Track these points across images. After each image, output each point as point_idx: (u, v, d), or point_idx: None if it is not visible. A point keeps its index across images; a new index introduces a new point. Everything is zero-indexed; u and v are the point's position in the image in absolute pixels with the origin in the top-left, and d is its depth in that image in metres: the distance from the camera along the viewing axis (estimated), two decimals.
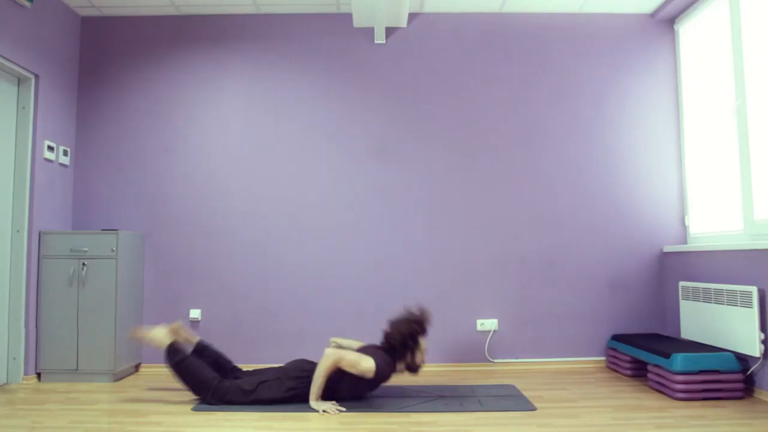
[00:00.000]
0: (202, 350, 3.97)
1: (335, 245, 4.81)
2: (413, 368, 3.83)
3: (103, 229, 4.52)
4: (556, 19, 4.99)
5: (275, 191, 4.86)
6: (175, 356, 3.73)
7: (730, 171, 4.26)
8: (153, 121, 4.93)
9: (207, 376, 3.68)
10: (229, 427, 3.21)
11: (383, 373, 3.62)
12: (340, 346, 3.99)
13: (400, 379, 4.36)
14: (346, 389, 3.68)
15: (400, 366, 3.81)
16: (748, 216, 4.04)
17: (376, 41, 4.95)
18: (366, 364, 3.55)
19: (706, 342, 4.16)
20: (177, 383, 3.73)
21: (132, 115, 4.94)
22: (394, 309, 4.77)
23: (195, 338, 4.03)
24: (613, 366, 4.59)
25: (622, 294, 4.81)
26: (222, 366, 3.95)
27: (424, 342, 3.83)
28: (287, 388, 3.65)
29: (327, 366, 3.55)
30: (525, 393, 3.92)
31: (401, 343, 3.73)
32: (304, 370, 3.71)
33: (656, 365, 3.93)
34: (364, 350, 3.75)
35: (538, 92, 4.93)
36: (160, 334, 3.86)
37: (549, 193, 4.87)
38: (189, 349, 3.88)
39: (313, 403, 3.56)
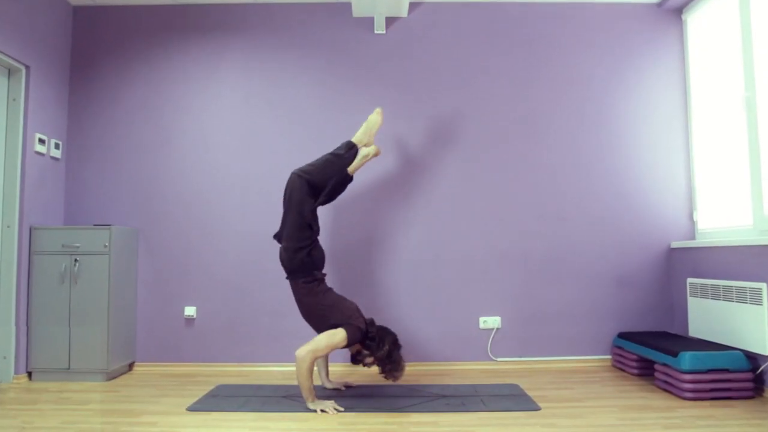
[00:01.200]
0: (344, 179, 4.05)
1: (334, 241, 4.79)
2: (357, 360, 3.80)
3: (95, 224, 4.50)
4: (561, 8, 4.96)
5: (274, 185, 4.83)
6: (349, 154, 3.99)
7: (739, 164, 4.24)
8: (148, 113, 4.91)
9: (329, 180, 3.90)
10: (225, 428, 3.20)
11: (353, 339, 3.62)
12: None
13: (400, 379, 4.32)
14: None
15: (355, 347, 3.78)
16: (757, 211, 4.02)
17: (375, 31, 4.92)
18: (338, 339, 3.56)
19: (715, 340, 4.14)
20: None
21: (126, 107, 4.92)
22: (394, 307, 4.76)
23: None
24: (619, 365, 4.58)
25: (628, 291, 4.79)
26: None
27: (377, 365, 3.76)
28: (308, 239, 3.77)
29: (307, 368, 3.50)
30: (529, 392, 3.91)
31: (376, 347, 3.68)
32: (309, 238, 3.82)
33: (663, 364, 3.92)
34: (339, 307, 3.71)
35: (542, 84, 4.91)
36: (371, 143, 4.17)
37: (553, 187, 4.85)
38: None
39: (310, 404, 3.54)
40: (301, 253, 3.71)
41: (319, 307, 3.71)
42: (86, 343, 4.33)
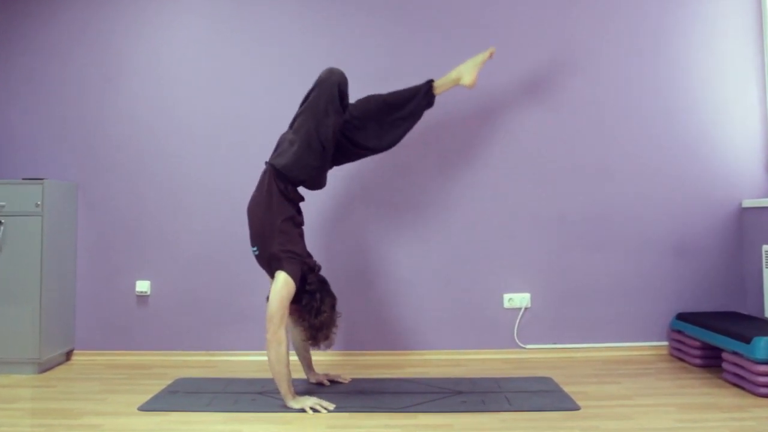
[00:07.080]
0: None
1: (324, 200, 4.72)
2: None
3: (24, 178, 4.51)
4: None
5: (245, 132, 4.80)
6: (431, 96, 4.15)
7: None
8: (90, 41, 4.88)
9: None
10: None
11: (295, 276, 3.61)
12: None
13: (404, 371, 4.38)
14: None
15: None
16: None
17: None
18: (285, 285, 3.55)
19: None
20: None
21: (63, 34, 4.89)
22: (395, 281, 4.74)
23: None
24: (677, 353, 4.59)
25: (689, 261, 4.76)
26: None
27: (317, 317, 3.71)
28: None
29: (276, 351, 3.50)
30: (564, 388, 3.91)
31: (314, 311, 3.64)
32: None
33: (733, 352, 3.88)
34: (289, 239, 3.73)
35: (583, 4, 4.82)
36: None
37: (595, 132, 4.79)
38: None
39: (291, 403, 3.55)
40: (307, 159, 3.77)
41: (270, 224, 3.69)
42: (13, 327, 4.33)
